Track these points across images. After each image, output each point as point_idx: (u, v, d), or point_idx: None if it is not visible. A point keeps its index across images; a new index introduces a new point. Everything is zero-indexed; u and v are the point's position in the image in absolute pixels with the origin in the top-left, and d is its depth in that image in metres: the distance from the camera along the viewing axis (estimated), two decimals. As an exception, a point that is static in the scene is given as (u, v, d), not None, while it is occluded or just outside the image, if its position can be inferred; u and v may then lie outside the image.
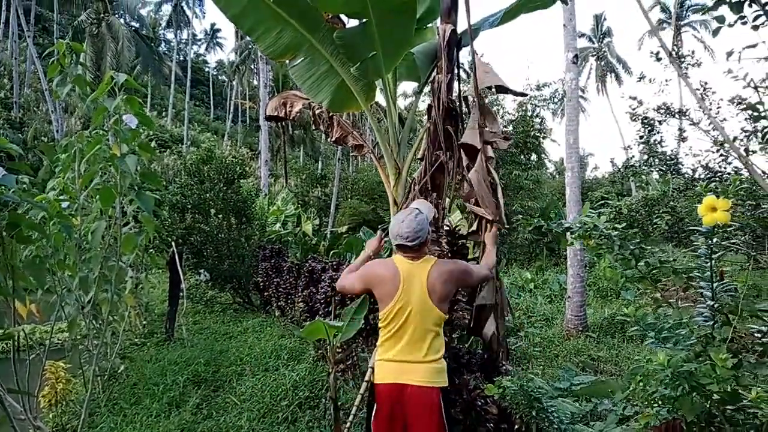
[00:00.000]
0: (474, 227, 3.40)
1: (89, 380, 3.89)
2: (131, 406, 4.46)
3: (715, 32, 1.81)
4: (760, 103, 1.69)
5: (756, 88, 1.68)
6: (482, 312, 3.36)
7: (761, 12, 1.67)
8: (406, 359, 2.44)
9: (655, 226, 10.40)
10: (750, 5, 1.69)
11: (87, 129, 4.09)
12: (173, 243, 6.94)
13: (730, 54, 1.84)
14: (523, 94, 3.76)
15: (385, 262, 2.62)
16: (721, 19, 1.74)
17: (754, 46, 1.70)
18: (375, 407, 2.52)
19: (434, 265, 2.48)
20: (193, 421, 4.19)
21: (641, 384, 1.74)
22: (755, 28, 1.69)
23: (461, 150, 3.35)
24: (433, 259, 2.53)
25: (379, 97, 4.22)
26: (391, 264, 2.55)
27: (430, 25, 4.27)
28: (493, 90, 3.57)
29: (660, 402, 1.73)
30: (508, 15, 3.62)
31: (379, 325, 2.57)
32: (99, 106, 3.42)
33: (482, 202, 3.17)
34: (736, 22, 1.70)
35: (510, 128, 15.68)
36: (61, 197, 3.95)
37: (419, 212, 2.54)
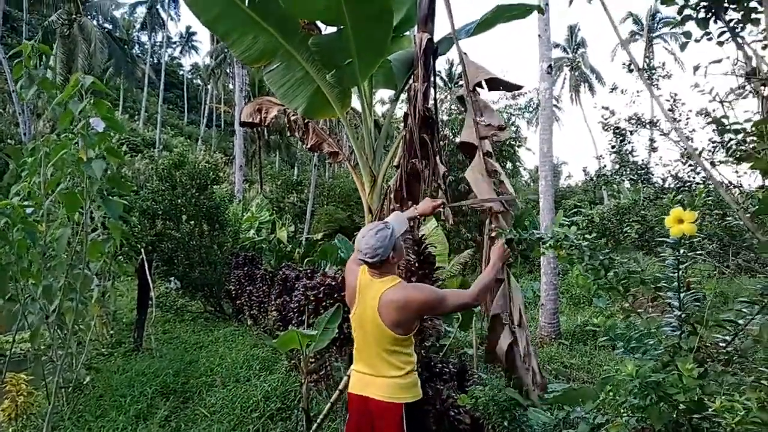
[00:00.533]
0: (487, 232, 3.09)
1: (52, 392, 3.75)
2: (96, 419, 4.33)
3: (683, 47, 1.85)
4: (725, 117, 1.73)
5: (722, 102, 1.72)
6: (496, 323, 2.87)
7: (725, 29, 1.72)
8: (368, 372, 2.40)
9: (625, 234, 10.60)
10: (715, 22, 1.74)
11: (55, 132, 3.98)
12: (143, 250, 6.78)
13: (696, 69, 1.89)
14: (518, 87, 3.68)
15: (355, 268, 2.54)
16: (688, 35, 1.79)
17: (719, 61, 1.75)
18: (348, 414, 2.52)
19: (390, 289, 2.31)
20: (160, 435, 4.09)
21: (611, 393, 1.75)
22: (720, 44, 1.74)
23: (454, 151, 3.32)
24: (394, 281, 2.35)
25: (356, 104, 4.21)
26: (357, 272, 2.48)
27: (407, 33, 4.29)
28: (485, 87, 3.47)
29: (630, 411, 1.74)
30: (485, 24, 3.66)
31: None
32: (66, 110, 3.33)
33: (482, 198, 3.04)
34: (702, 38, 1.74)
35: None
36: (25, 203, 3.83)
37: (384, 227, 2.38)
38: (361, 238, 2.38)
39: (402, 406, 2.31)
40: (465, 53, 3.37)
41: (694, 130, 5.12)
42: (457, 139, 3.28)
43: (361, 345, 2.44)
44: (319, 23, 3.65)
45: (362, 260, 2.38)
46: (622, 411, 1.77)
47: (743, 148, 1.65)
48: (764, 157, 1.44)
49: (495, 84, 3.47)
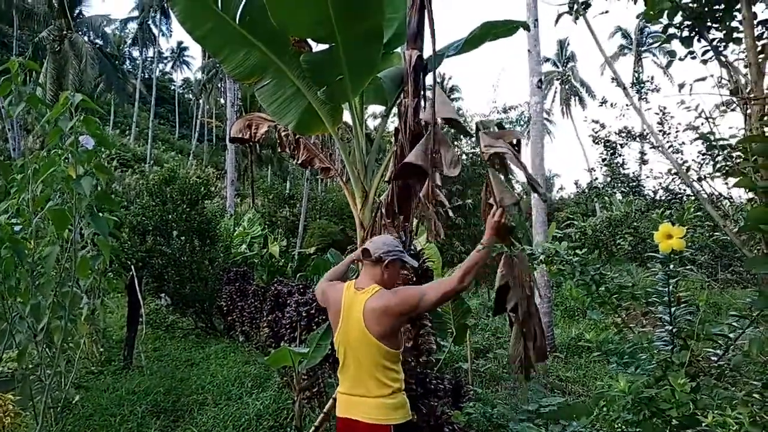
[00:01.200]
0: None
1: (41, 412, 3.68)
2: (85, 440, 4.25)
3: (668, 65, 1.87)
4: (711, 133, 1.76)
5: (707, 118, 1.75)
6: (504, 294, 2.72)
7: (709, 47, 1.75)
8: (355, 393, 2.34)
9: (618, 246, 10.65)
10: (699, 41, 1.77)
11: (45, 148, 3.95)
12: (132, 266, 6.72)
13: (681, 86, 1.92)
14: (469, 134, 3.76)
15: (338, 285, 2.53)
16: (673, 54, 1.82)
17: (703, 79, 1.77)
18: None
19: (371, 297, 2.31)
20: (150, 455, 4.02)
21: (605, 409, 1.75)
22: (704, 62, 1.77)
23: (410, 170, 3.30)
24: (374, 290, 2.34)
25: (347, 119, 4.23)
26: (341, 289, 2.47)
27: (397, 50, 4.33)
28: (441, 122, 3.53)
29: (623, 427, 1.74)
30: (472, 42, 3.69)
31: None
32: (55, 127, 3.32)
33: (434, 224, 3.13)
34: (686, 56, 1.78)
35: (478, 149, 15.91)
36: (13, 220, 3.79)
37: (400, 243, 2.52)
38: (376, 239, 2.49)
39: (390, 428, 2.26)
40: (439, 81, 3.41)
41: (683, 143, 5.17)
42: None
43: (347, 364, 2.40)
44: (309, 40, 3.67)
45: (364, 249, 2.44)
46: (615, 426, 1.76)
47: (729, 163, 1.67)
48: (749, 174, 1.45)
49: (452, 124, 3.51)
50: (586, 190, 11.59)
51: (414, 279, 3.18)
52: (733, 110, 1.79)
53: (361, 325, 2.28)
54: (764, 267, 1.52)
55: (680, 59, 1.81)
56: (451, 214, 3.06)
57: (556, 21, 2.09)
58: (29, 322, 3.88)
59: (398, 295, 2.30)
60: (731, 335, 1.60)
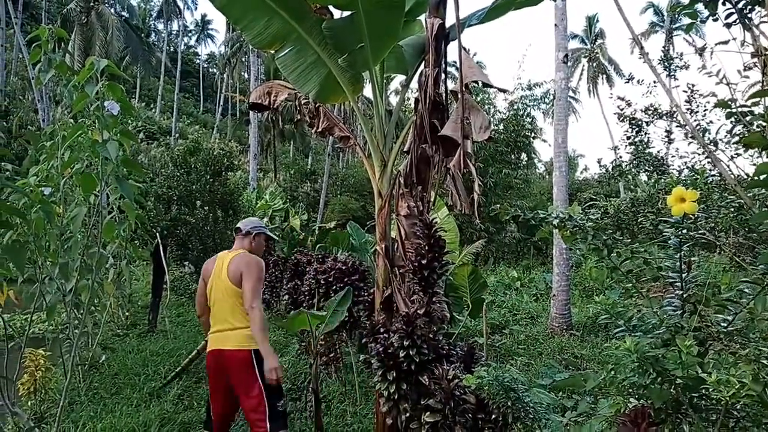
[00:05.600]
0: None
1: (69, 369, 3.86)
2: (111, 396, 4.44)
3: (689, 28, 1.84)
4: (733, 100, 1.72)
5: (728, 84, 1.71)
6: None
7: (732, 10, 1.70)
8: (222, 328, 3.05)
9: (641, 226, 10.46)
10: (723, 3, 1.72)
11: (71, 115, 4.04)
12: (158, 234, 6.89)
13: (702, 50, 1.87)
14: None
15: (215, 260, 3.30)
16: (693, 15, 1.77)
17: (726, 42, 1.73)
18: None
19: (235, 257, 3.15)
20: (173, 411, 4.18)
21: (612, 372, 1.77)
22: (727, 26, 1.73)
23: (440, 142, 3.34)
24: (238, 252, 3.21)
25: (367, 90, 4.23)
26: (216, 258, 3.29)
27: (419, 18, 4.28)
28: (480, 84, 3.56)
29: (630, 390, 1.76)
30: (495, 11, 3.62)
31: None
32: (81, 92, 3.39)
33: (457, 197, 3.18)
34: (707, 18, 1.73)
35: (501, 127, 15.74)
36: (42, 184, 3.92)
37: (261, 222, 3.57)
38: (246, 219, 3.54)
39: (251, 352, 2.95)
40: (464, 48, 3.38)
41: (711, 122, 5.02)
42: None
43: (215, 309, 3.11)
44: (331, 7, 3.66)
45: (236, 228, 3.42)
46: (622, 390, 1.78)
47: (748, 129, 1.64)
48: (766, 132, 1.42)
49: (483, 85, 3.52)
50: (610, 169, 11.37)
51: (426, 248, 3.20)
52: (752, 70, 1.74)
53: (225, 274, 3.08)
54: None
55: (702, 21, 1.77)
56: (476, 188, 3.10)
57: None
58: (58, 282, 4.04)
59: (249, 266, 3.07)
60: (743, 301, 1.60)
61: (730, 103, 1.64)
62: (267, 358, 2.93)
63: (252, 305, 2.96)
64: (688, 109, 5.85)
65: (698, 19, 1.79)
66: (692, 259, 1.61)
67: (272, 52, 3.77)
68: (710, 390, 1.36)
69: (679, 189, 1.48)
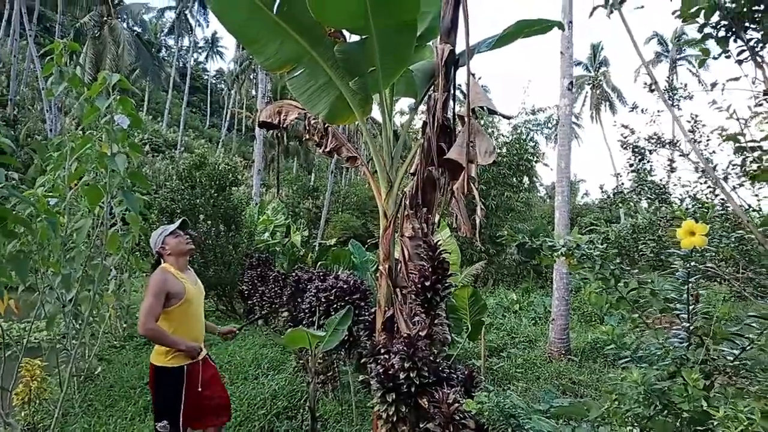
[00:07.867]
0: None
1: (65, 380, 3.83)
2: (106, 408, 4.40)
3: (701, 63, 1.86)
4: (742, 134, 1.74)
5: (738, 119, 1.73)
6: None
7: (745, 47, 1.73)
8: None
9: (641, 254, 10.44)
10: (735, 41, 1.76)
11: (80, 128, 4.08)
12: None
13: (714, 85, 1.90)
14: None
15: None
16: (706, 52, 1.80)
17: (737, 78, 1.75)
18: None
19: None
20: (168, 427, 4.13)
21: (616, 402, 1.76)
22: (739, 62, 1.76)
23: (445, 165, 3.38)
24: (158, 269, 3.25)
25: (375, 112, 4.27)
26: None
27: (429, 43, 4.34)
28: (485, 110, 3.61)
29: (634, 421, 1.75)
30: (505, 39, 3.68)
31: None
32: (92, 106, 3.44)
33: (461, 219, 3.21)
34: (720, 55, 1.76)
35: (504, 150, 15.83)
36: (49, 194, 3.94)
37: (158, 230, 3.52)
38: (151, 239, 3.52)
39: (152, 367, 3.07)
40: (473, 74, 3.44)
41: (714, 151, 5.07)
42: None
43: None
44: (344, 31, 3.71)
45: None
46: (626, 420, 1.77)
47: (757, 165, 1.66)
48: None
49: (489, 111, 3.59)
50: (611, 195, 11.39)
51: (430, 270, 3.21)
52: (762, 107, 1.76)
53: None
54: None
55: (714, 58, 1.80)
56: (479, 211, 3.13)
57: (591, 14, 2.09)
58: (59, 292, 4.04)
59: (151, 280, 3.12)
60: (751, 335, 1.60)
61: (739, 137, 1.66)
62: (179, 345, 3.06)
63: (142, 327, 2.96)
64: (691, 139, 5.89)
65: (710, 56, 1.83)
66: (699, 291, 1.61)
67: (284, 73, 3.81)
68: (715, 424, 1.35)
69: (689, 222, 1.49)
